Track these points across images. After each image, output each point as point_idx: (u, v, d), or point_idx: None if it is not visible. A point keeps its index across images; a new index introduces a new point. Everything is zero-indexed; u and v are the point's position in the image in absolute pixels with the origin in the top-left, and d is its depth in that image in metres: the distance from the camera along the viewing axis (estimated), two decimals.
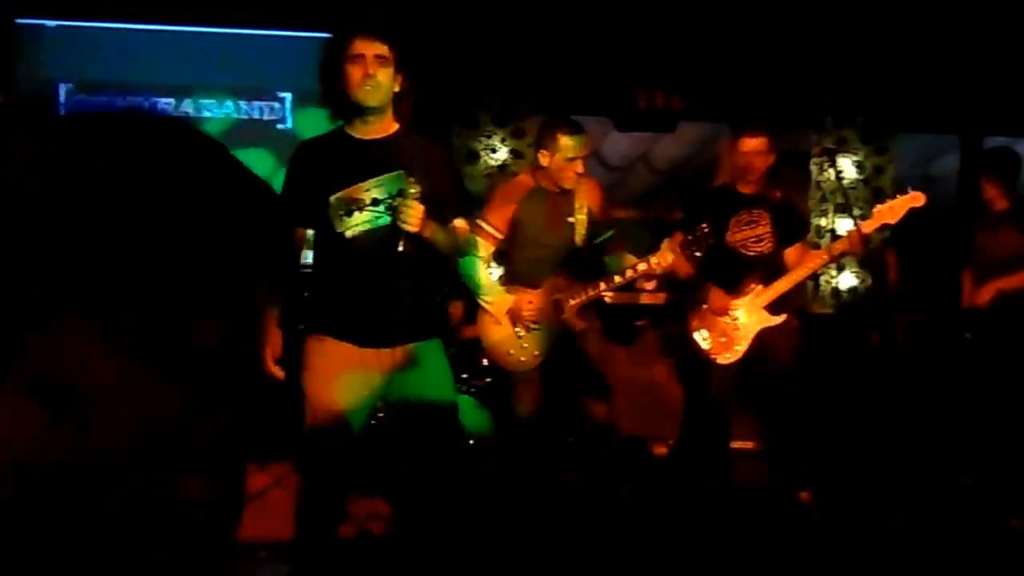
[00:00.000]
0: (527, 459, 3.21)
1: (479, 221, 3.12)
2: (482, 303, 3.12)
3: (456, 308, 3.93)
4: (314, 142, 2.30)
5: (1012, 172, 3.67)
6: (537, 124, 5.15)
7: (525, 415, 3.12)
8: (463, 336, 3.86)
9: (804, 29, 5.26)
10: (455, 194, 2.33)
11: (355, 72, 2.11)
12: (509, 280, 3.24)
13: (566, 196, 3.14)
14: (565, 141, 3.03)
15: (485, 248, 3.12)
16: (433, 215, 2.15)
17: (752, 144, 3.27)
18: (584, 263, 3.18)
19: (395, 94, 2.18)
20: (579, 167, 3.08)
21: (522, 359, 3.10)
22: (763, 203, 3.34)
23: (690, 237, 2.98)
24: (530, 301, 3.08)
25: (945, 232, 4.83)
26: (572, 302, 3.09)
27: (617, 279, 3.07)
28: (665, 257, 2.97)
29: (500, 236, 3.14)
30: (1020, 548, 2.99)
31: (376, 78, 2.10)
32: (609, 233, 3.21)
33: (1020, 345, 3.50)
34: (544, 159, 3.10)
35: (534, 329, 3.09)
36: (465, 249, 2.45)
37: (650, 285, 3.87)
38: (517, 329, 3.10)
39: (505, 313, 3.09)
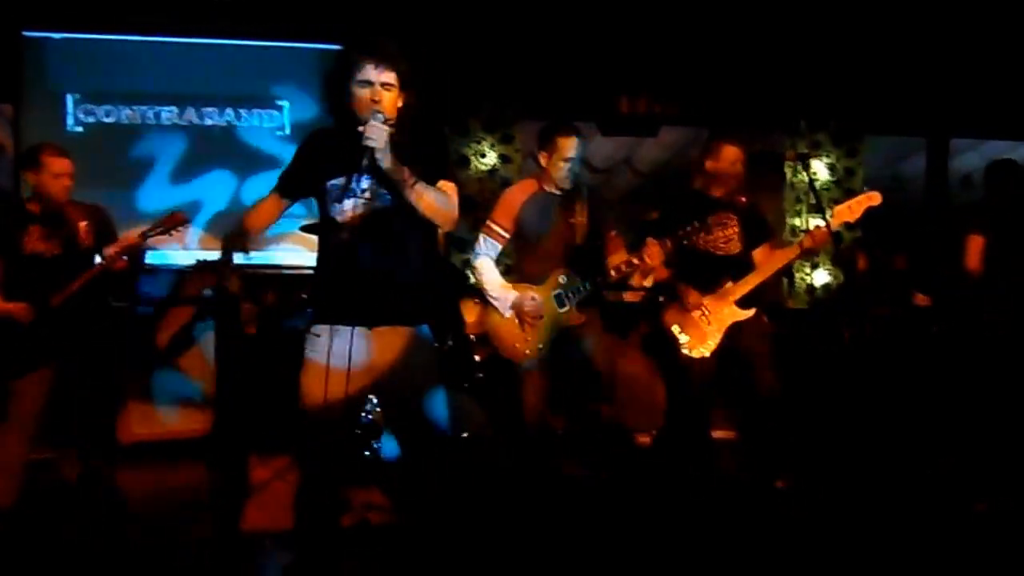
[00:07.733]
0: (526, 450, 3.38)
1: (488, 222, 3.36)
2: (490, 299, 3.35)
3: (468, 308, 4.15)
4: (326, 131, 2.40)
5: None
6: (525, 130, 5.37)
7: (532, 405, 3.32)
8: (469, 332, 4.06)
9: (779, 38, 5.49)
10: (440, 154, 2.38)
11: (363, 96, 2.20)
12: (516, 278, 3.41)
13: (567, 197, 3.35)
14: (562, 142, 3.26)
15: (493, 247, 3.35)
16: (417, 173, 2.20)
17: (734, 153, 3.45)
18: (584, 261, 3.36)
19: (399, 109, 2.24)
20: (574, 168, 3.28)
21: (526, 351, 3.30)
22: (731, 207, 3.51)
23: (681, 232, 3.19)
24: (533, 297, 3.29)
25: (913, 229, 5.06)
26: (572, 297, 3.32)
27: (613, 275, 3.28)
28: (651, 253, 3.17)
29: (507, 236, 3.36)
30: (983, 530, 3.16)
31: (382, 104, 2.19)
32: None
33: (983, 339, 3.67)
34: (543, 160, 3.32)
35: (536, 323, 3.29)
36: (448, 213, 2.31)
37: (648, 282, 3.97)
38: (521, 323, 3.30)
39: (509, 307, 3.30)
